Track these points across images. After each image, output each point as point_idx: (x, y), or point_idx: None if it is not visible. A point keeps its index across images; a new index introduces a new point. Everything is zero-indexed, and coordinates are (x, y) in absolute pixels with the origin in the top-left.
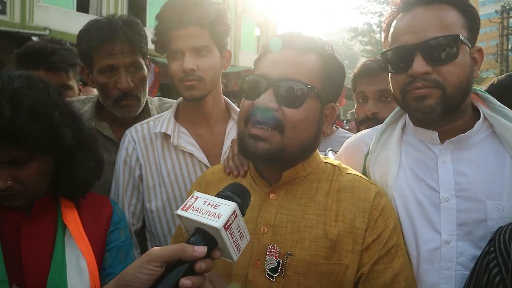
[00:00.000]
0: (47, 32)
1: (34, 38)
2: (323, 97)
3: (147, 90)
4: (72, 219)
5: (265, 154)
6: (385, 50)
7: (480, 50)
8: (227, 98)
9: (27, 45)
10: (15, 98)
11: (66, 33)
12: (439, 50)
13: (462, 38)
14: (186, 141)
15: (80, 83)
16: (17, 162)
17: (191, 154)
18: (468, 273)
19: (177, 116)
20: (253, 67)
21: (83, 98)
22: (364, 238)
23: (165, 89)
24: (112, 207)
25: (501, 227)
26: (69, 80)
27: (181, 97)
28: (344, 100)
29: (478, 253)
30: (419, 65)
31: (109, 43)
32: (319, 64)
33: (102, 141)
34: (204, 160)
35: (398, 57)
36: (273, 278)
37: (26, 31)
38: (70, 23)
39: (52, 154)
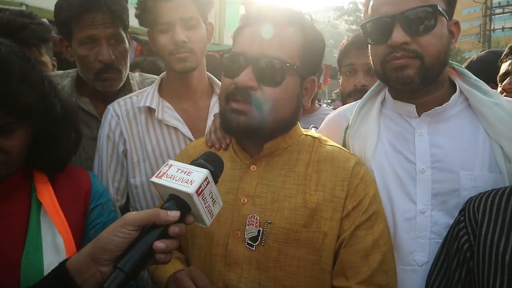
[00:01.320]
0: (23, 7)
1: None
2: (302, 72)
3: (128, 64)
4: (47, 195)
5: (246, 127)
6: (365, 22)
7: (457, 23)
8: (210, 74)
9: None
10: (5, 65)
11: (44, 9)
12: (417, 20)
13: (440, 8)
14: (170, 115)
15: (54, 58)
16: (3, 130)
17: (175, 128)
18: (441, 241)
19: (161, 91)
20: (232, 41)
21: (61, 72)
22: (344, 206)
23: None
24: (90, 180)
25: (471, 197)
26: (42, 56)
27: (164, 72)
28: (329, 79)
29: (451, 221)
30: (398, 35)
31: (89, 14)
32: (298, 38)
33: (83, 117)
34: (189, 134)
35: (378, 28)
36: (253, 247)
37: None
38: None
39: (35, 125)
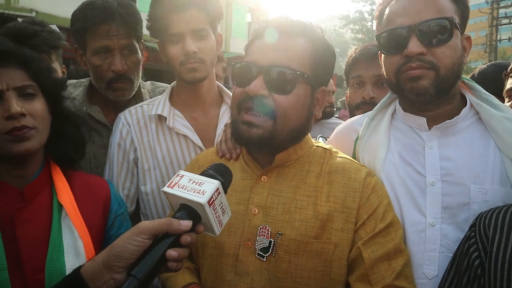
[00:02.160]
0: (33, 14)
1: (19, 20)
2: (313, 82)
3: (140, 74)
4: (67, 198)
5: (258, 140)
6: (379, 32)
7: (468, 38)
8: (219, 83)
9: (6, 27)
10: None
11: (53, 16)
12: (433, 32)
13: (455, 21)
14: (180, 123)
15: (64, 65)
16: (26, 94)
17: (185, 137)
18: (451, 254)
19: (171, 100)
20: (244, 53)
21: (74, 82)
22: (357, 216)
23: (155, 74)
24: (109, 188)
25: (481, 213)
26: (52, 63)
27: (174, 81)
28: (335, 88)
29: (461, 235)
30: (414, 45)
31: (104, 25)
32: (308, 48)
33: (94, 125)
34: (199, 142)
35: (393, 39)
36: (264, 258)
37: (11, 12)
38: (58, 5)
39: (48, 101)
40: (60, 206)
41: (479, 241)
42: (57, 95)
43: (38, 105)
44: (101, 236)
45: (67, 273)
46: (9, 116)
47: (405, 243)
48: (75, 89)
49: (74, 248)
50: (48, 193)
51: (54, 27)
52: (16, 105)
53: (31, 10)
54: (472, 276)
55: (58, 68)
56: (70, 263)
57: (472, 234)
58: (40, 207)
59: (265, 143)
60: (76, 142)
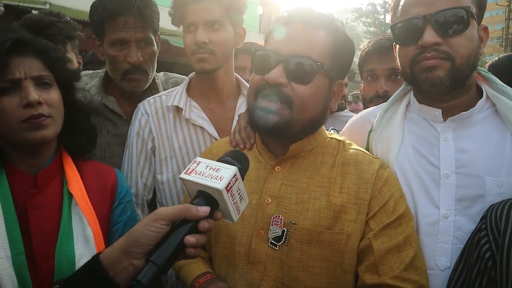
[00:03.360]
0: (47, 6)
1: (34, 12)
2: (331, 74)
3: (155, 66)
4: (77, 187)
5: (274, 126)
6: (394, 23)
7: (485, 29)
8: (238, 75)
9: (24, 18)
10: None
11: (67, 8)
12: (449, 21)
13: (472, 11)
14: (197, 115)
15: (80, 56)
16: (43, 83)
17: (202, 128)
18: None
19: (189, 91)
20: (264, 41)
21: (91, 72)
22: (369, 207)
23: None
24: (116, 176)
25: (493, 204)
26: (68, 53)
27: (193, 72)
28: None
29: (475, 227)
30: (429, 35)
31: (122, 17)
32: (329, 41)
33: (108, 115)
34: (215, 134)
35: (408, 29)
36: (276, 247)
37: (26, 4)
38: None
39: (63, 91)
40: (70, 194)
41: (490, 233)
42: (70, 86)
43: (54, 95)
44: (109, 223)
45: (76, 260)
46: (27, 104)
47: (417, 235)
48: (91, 79)
49: (83, 235)
50: (59, 182)
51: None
52: (34, 93)
53: (45, 3)
54: (483, 268)
55: (74, 59)
56: (80, 251)
57: (483, 226)
58: (51, 195)
59: (280, 131)
60: (88, 132)
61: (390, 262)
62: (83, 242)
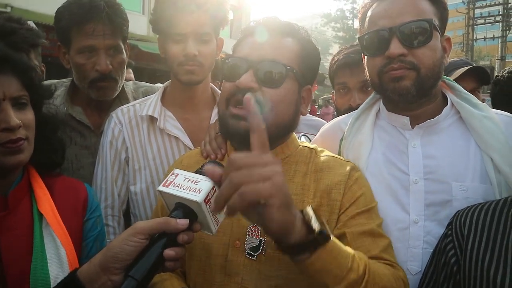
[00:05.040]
0: (8, 9)
1: None
2: (300, 79)
3: (125, 75)
4: (48, 206)
5: (246, 132)
6: (362, 34)
7: (448, 39)
8: (213, 85)
9: None
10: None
11: (30, 11)
12: (414, 33)
13: (435, 23)
14: (172, 124)
15: (42, 64)
16: (20, 103)
17: (176, 138)
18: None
19: (164, 100)
20: (232, 52)
21: (55, 81)
22: (340, 206)
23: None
24: (87, 191)
25: (458, 211)
26: (31, 61)
27: (168, 81)
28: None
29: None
30: (395, 47)
31: (90, 24)
32: (296, 47)
33: (75, 126)
34: (189, 144)
35: (375, 41)
36: (254, 257)
37: None
38: (34, 0)
39: (36, 110)
40: (41, 214)
41: (455, 239)
42: (42, 103)
43: (30, 115)
44: (81, 239)
45: (51, 283)
46: (7, 128)
47: None
48: (56, 89)
49: (57, 257)
50: (28, 201)
51: (30, 23)
52: (14, 117)
53: (5, 6)
54: (449, 273)
55: (37, 67)
56: (54, 273)
57: (449, 232)
58: (21, 215)
59: None
60: (57, 146)
61: (366, 244)
62: (57, 264)
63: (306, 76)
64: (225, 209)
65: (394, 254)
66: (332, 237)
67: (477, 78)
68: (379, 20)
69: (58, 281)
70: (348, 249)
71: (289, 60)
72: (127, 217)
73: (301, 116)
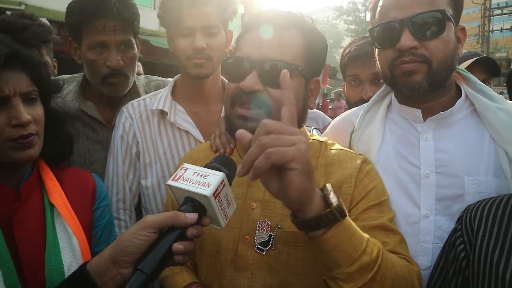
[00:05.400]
0: (22, 7)
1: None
2: (307, 74)
3: (136, 70)
4: (59, 197)
5: (253, 133)
6: (373, 26)
7: (463, 29)
8: (224, 78)
9: None
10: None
11: (43, 9)
12: (426, 25)
13: (448, 14)
14: (182, 118)
15: (54, 59)
16: (30, 99)
17: (187, 132)
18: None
19: (174, 94)
20: (235, 47)
21: (67, 77)
22: (351, 200)
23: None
24: (95, 181)
25: (470, 205)
26: (43, 57)
27: (178, 75)
28: (328, 79)
29: None
30: (407, 39)
31: (101, 19)
32: (300, 40)
33: (87, 121)
34: (200, 138)
35: (386, 33)
36: (263, 252)
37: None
38: None
39: (45, 105)
40: (52, 205)
41: (465, 234)
42: (50, 97)
43: (39, 110)
44: (91, 228)
45: (65, 272)
46: (18, 124)
47: None
48: (68, 84)
49: (70, 246)
50: (39, 193)
51: (44, 20)
52: (25, 114)
53: (20, 3)
54: (458, 268)
55: (49, 62)
56: (68, 262)
57: (459, 226)
58: (33, 207)
59: None
60: (65, 139)
61: (379, 238)
62: (70, 252)
63: (312, 69)
64: (234, 203)
65: (407, 249)
66: (347, 216)
67: (486, 69)
68: (390, 11)
69: (72, 269)
70: (363, 233)
71: (293, 56)
72: (139, 211)
73: None
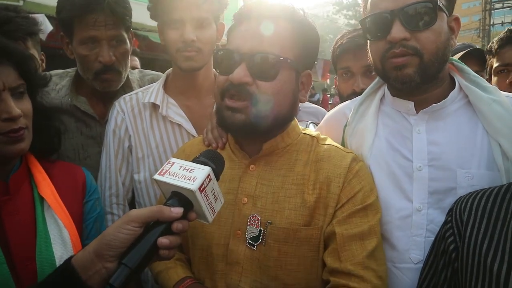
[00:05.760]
0: (21, 2)
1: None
2: (297, 66)
3: (129, 65)
4: (48, 190)
5: (242, 125)
6: (364, 17)
7: (457, 19)
8: (216, 71)
9: None
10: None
11: (42, 5)
12: (417, 16)
13: (440, 4)
14: (174, 112)
15: (42, 53)
16: (18, 93)
17: (179, 125)
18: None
19: (166, 87)
20: (227, 40)
21: (61, 72)
22: (338, 200)
23: (148, 62)
24: (85, 174)
25: (460, 197)
26: (28, 50)
27: (170, 69)
28: (328, 74)
29: None
30: (397, 31)
31: (92, 14)
32: (290, 32)
33: (80, 117)
34: (192, 131)
35: (377, 24)
36: (254, 247)
37: None
38: None
39: (33, 98)
40: (42, 198)
41: (454, 226)
42: (37, 91)
43: (27, 104)
44: (82, 221)
45: (57, 263)
46: (9, 118)
47: (390, 229)
48: (61, 79)
49: (60, 238)
50: (28, 186)
51: (42, 16)
52: (15, 107)
53: None
54: (447, 260)
55: (36, 55)
56: (59, 253)
57: (449, 218)
58: (23, 200)
59: (249, 129)
60: (52, 132)
61: (353, 248)
62: (61, 244)
63: (304, 61)
64: (222, 198)
65: (381, 255)
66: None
67: (479, 61)
68: (381, 2)
69: (63, 261)
70: None
71: (283, 49)
72: (133, 206)
73: (300, 103)
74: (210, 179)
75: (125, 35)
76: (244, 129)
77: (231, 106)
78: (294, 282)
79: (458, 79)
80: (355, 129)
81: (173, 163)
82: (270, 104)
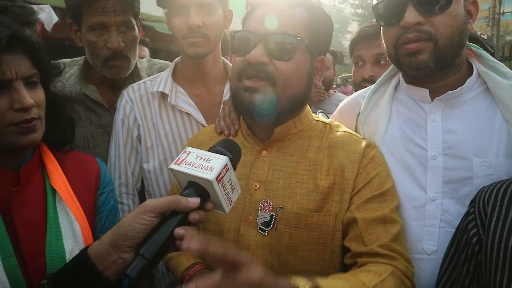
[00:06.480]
0: None
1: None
2: (312, 49)
3: (137, 52)
4: (60, 182)
5: (260, 105)
6: (377, 3)
7: (475, 2)
8: (225, 59)
9: None
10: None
11: None
12: None
13: None
14: (183, 101)
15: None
16: (31, 83)
17: (188, 114)
18: (452, 230)
19: (175, 76)
20: (242, 26)
21: (68, 60)
22: (353, 186)
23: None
24: (99, 166)
25: (483, 187)
26: None
27: (178, 57)
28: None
29: (463, 210)
30: (411, 15)
31: (101, 0)
32: (306, 17)
33: (90, 105)
34: (202, 120)
35: (390, 9)
36: (265, 232)
37: None
38: None
39: (46, 89)
40: (54, 190)
41: (477, 218)
42: (50, 81)
43: (41, 94)
44: (94, 213)
45: (67, 257)
46: (21, 108)
47: (403, 219)
48: (70, 68)
49: (71, 231)
50: (40, 177)
51: (47, 7)
52: (28, 97)
53: None
54: (470, 253)
55: None
56: (69, 247)
57: (472, 210)
58: (34, 191)
59: (267, 109)
60: (65, 123)
61: (377, 232)
62: (72, 238)
63: (318, 46)
64: (239, 188)
65: (403, 240)
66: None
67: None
68: None
69: (74, 255)
70: None
71: (299, 31)
72: (143, 195)
73: (331, 96)
74: (228, 169)
75: (134, 21)
76: (260, 109)
77: (249, 86)
78: (305, 268)
79: (476, 65)
80: (368, 117)
81: (190, 152)
82: (286, 83)
